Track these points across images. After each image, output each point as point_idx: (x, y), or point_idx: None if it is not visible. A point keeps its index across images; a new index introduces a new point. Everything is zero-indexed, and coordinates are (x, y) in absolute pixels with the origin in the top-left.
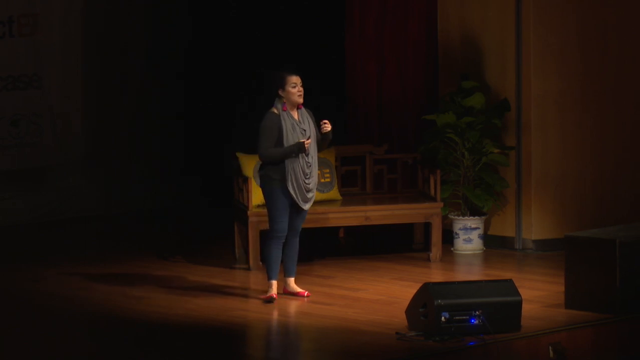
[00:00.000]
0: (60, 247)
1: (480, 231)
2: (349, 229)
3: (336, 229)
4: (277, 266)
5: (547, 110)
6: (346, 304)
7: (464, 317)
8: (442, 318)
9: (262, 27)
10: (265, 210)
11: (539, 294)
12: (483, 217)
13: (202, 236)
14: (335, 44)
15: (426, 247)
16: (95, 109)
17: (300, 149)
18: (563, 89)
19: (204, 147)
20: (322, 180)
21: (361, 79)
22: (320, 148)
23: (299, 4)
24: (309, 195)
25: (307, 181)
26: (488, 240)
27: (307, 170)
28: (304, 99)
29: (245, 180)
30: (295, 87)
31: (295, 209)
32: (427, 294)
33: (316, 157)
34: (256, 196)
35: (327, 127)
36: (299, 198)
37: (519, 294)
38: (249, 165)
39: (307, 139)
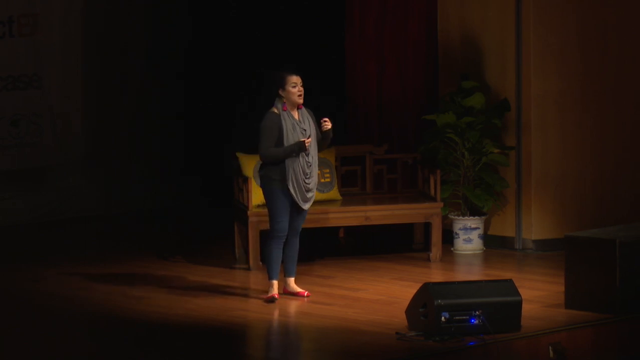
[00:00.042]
0: (60, 247)
1: (480, 231)
2: (349, 229)
3: (336, 229)
4: (277, 266)
5: (547, 110)
6: (346, 304)
7: (464, 317)
8: (442, 318)
9: (262, 27)
10: (265, 210)
11: (539, 294)
12: (483, 217)
13: (202, 236)
14: (335, 44)
15: (426, 247)
16: (95, 109)
17: (300, 148)
18: (563, 89)
19: (204, 147)
20: (322, 180)
21: (361, 79)
22: (320, 148)
23: (299, 4)
24: (309, 195)
25: (307, 181)
26: (488, 240)
27: (307, 170)
28: (304, 98)
29: (245, 180)
30: (295, 87)
31: (296, 209)
32: (427, 294)
33: (316, 157)
34: (256, 196)
35: (328, 125)
36: (299, 198)
37: (519, 294)
38: (249, 165)
39: (308, 138)
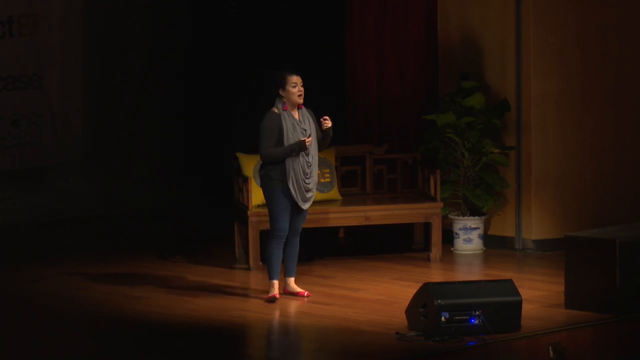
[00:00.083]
0: (60, 247)
1: (480, 231)
2: (349, 229)
3: (336, 229)
4: (278, 266)
5: (547, 110)
6: (346, 304)
7: (464, 317)
8: (442, 318)
9: (262, 27)
10: (265, 210)
11: (539, 294)
12: (483, 217)
13: (202, 236)
14: (335, 44)
15: (426, 247)
16: (95, 109)
17: (300, 147)
18: (563, 89)
19: (204, 147)
20: (322, 180)
21: (361, 79)
22: (321, 148)
23: (299, 4)
24: (309, 195)
25: (307, 181)
26: (488, 240)
27: (307, 170)
28: (304, 98)
29: (245, 180)
30: (295, 87)
31: (296, 209)
32: (427, 294)
33: (317, 157)
34: (256, 196)
35: (328, 123)
36: (299, 197)
37: (519, 294)
38: (249, 165)
39: (308, 137)
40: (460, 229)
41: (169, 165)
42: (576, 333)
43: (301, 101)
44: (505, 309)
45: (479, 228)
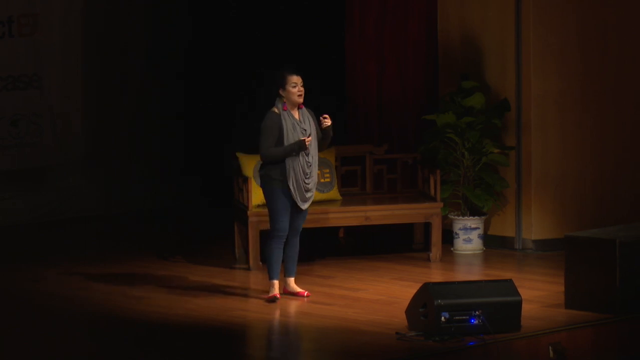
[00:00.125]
0: (60, 247)
1: (480, 231)
2: (348, 229)
3: (336, 229)
4: (278, 266)
5: (547, 110)
6: (346, 304)
7: (464, 317)
8: (442, 318)
9: (262, 27)
10: (265, 210)
11: (539, 294)
12: (483, 217)
13: (202, 236)
14: (335, 44)
15: (426, 247)
16: (95, 109)
17: (300, 147)
18: (563, 89)
19: (204, 147)
20: (322, 180)
21: (361, 79)
22: (321, 147)
23: (299, 4)
24: (308, 195)
25: (306, 181)
26: (488, 240)
27: (307, 170)
28: (305, 98)
29: (245, 180)
30: (295, 87)
31: (296, 209)
32: (427, 294)
33: (317, 157)
34: (256, 196)
35: (327, 121)
36: (298, 197)
37: (518, 294)
38: (249, 165)
39: (308, 137)
40: (460, 229)
41: (169, 165)
42: (576, 333)
43: (301, 101)
44: (505, 309)
45: (478, 228)
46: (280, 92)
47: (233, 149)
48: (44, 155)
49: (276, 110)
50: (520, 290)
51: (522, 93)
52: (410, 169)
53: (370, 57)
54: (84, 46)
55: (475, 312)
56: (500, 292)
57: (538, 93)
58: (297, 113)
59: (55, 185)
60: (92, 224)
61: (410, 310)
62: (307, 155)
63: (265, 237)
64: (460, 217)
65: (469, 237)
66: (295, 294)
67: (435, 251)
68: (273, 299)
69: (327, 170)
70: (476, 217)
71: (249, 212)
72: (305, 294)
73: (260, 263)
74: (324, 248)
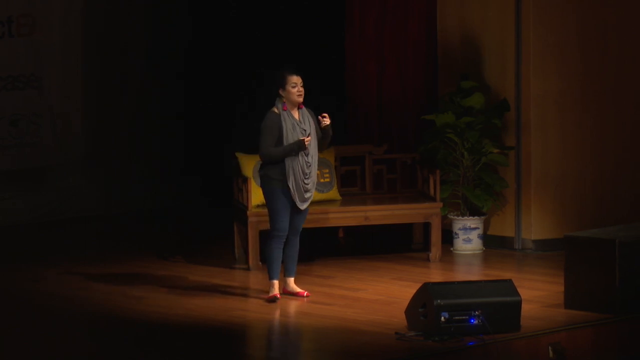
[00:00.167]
0: (60, 247)
1: (480, 231)
2: (348, 229)
3: (336, 229)
4: (278, 266)
5: (547, 110)
6: (346, 304)
7: (464, 317)
8: (442, 318)
9: (262, 27)
10: (265, 210)
11: (539, 294)
12: (482, 217)
13: (202, 236)
14: (335, 44)
15: (426, 247)
16: (95, 109)
17: (300, 146)
18: (563, 89)
19: (204, 147)
20: (322, 180)
21: (361, 79)
22: (321, 148)
23: (299, 4)
24: (307, 195)
25: (306, 181)
26: (487, 240)
27: (307, 170)
28: (305, 98)
29: (245, 180)
30: (295, 87)
31: (296, 209)
32: (426, 294)
33: (316, 158)
34: (256, 196)
35: (326, 120)
36: (297, 197)
37: (518, 294)
38: (249, 165)
39: (307, 137)
40: (459, 229)
41: (169, 165)
42: (576, 333)
43: (301, 100)
44: (504, 309)
45: (478, 228)
46: (280, 92)
47: (233, 149)
48: (44, 155)
49: (276, 110)
50: (519, 290)
51: (521, 93)
52: (410, 169)
53: (370, 57)
54: (84, 46)
55: (474, 312)
56: (499, 292)
57: (538, 93)
58: (297, 113)
59: (55, 185)
60: (92, 224)
61: (410, 310)
62: (307, 155)
63: (265, 237)
64: (460, 217)
65: (468, 237)
66: (295, 294)
67: (435, 251)
68: (273, 299)
69: (327, 170)
70: (476, 217)
71: (248, 212)
72: (305, 294)
73: (260, 263)
74: (323, 248)
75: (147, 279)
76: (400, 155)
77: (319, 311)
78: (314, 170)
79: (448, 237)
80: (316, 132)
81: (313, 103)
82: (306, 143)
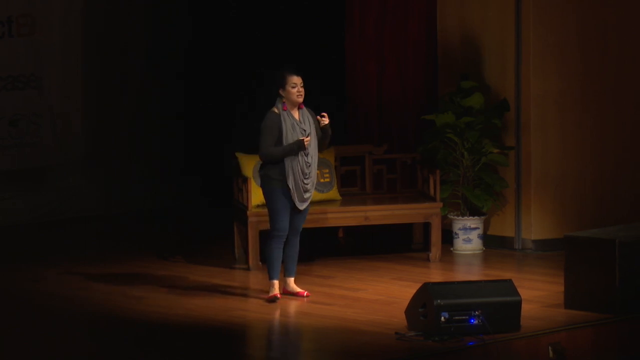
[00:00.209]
0: (60, 247)
1: (480, 231)
2: (348, 229)
3: (336, 229)
4: (278, 266)
5: (547, 110)
6: (346, 304)
7: (464, 317)
8: (442, 318)
9: (262, 27)
10: (265, 210)
11: (539, 294)
12: (482, 217)
13: (202, 236)
14: (335, 44)
15: (426, 247)
16: (95, 109)
17: (299, 146)
18: (563, 89)
19: (204, 147)
20: (322, 180)
21: (361, 79)
22: (321, 148)
23: (299, 4)
24: (306, 195)
25: (305, 181)
26: (487, 240)
27: (307, 170)
28: (305, 98)
29: (245, 180)
30: (295, 87)
31: (296, 209)
32: (426, 294)
33: (316, 158)
34: (256, 196)
35: (325, 120)
36: (296, 198)
37: (518, 294)
38: (249, 165)
39: (307, 137)
40: (459, 229)
41: (169, 165)
42: (576, 333)
43: (300, 101)
44: (504, 309)
45: (478, 228)
46: (280, 92)
47: (233, 149)
48: (44, 155)
49: (276, 110)
50: (519, 290)
51: (521, 93)
52: (410, 169)
53: (370, 57)
54: (84, 46)
55: (474, 312)
56: (499, 292)
57: (538, 93)
58: (297, 113)
59: (55, 185)
60: (92, 224)
61: (410, 310)
62: (307, 155)
63: (265, 237)
64: (460, 217)
65: (468, 237)
66: (295, 294)
67: (435, 251)
68: (273, 299)
69: (327, 170)
70: (476, 217)
71: (248, 212)
72: (305, 294)
73: (260, 263)
74: (323, 248)
75: (147, 279)
76: (400, 155)
77: (319, 311)
78: (314, 171)
79: (448, 237)
80: (316, 132)
81: (313, 103)
82: (306, 143)
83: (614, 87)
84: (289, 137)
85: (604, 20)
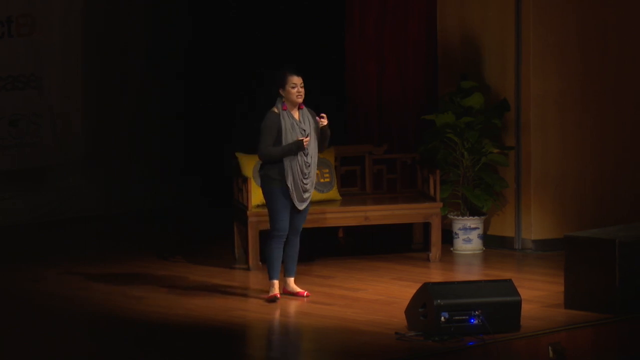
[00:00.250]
0: (60, 247)
1: (480, 231)
2: (348, 229)
3: (335, 229)
4: (278, 266)
5: (547, 110)
6: (346, 304)
7: (464, 317)
8: (442, 318)
9: (262, 27)
10: (265, 210)
11: (539, 294)
12: (482, 217)
13: (202, 236)
14: (335, 44)
15: (426, 247)
16: (95, 109)
17: (298, 147)
18: (563, 89)
19: (204, 147)
20: (322, 180)
21: (361, 79)
22: (320, 148)
23: (299, 4)
24: (305, 195)
25: (304, 181)
26: (487, 240)
27: (306, 171)
28: (305, 98)
29: (245, 180)
30: (295, 87)
31: (296, 209)
32: (426, 293)
33: (316, 158)
34: (256, 196)
35: (324, 121)
36: (295, 198)
37: (518, 294)
38: (249, 165)
39: (306, 137)
40: (459, 229)
41: (169, 165)
42: (576, 333)
43: (300, 101)
44: (504, 309)
45: (478, 228)
46: (280, 91)
47: (233, 149)
48: (44, 155)
49: (276, 110)
50: (519, 290)
51: (521, 93)
52: (410, 169)
53: (370, 57)
54: (84, 46)
55: (474, 312)
56: (499, 292)
57: (538, 93)
58: (297, 113)
59: (55, 185)
60: (92, 224)
61: (410, 310)
62: (306, 155)
63: (265, 237)
64: (460, 217)
65: (468, 237)
66: (295, 294)
67: (435, 251)
68: (273, 299)
69: (327, 170)
70: (476, 217)
71: (248, 212)
72: (305, 294)
73: (260, 263)
74: (323, 248)
75: (147, 279)
76: (400, 155)
77: (319, 311)
78: (313, 171)
79: (448, 237)
80: (316, 132)
81: (313, 103)
82: (305, 144)
83: (614, 87)
84: (288, 137)
85: (604, 20)
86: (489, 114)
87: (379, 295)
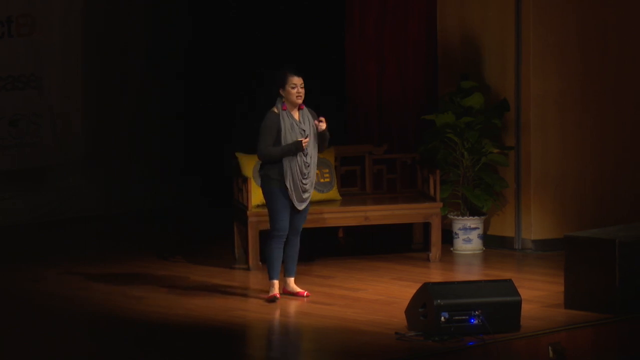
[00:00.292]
0: (60, 247)
1: (480, 231)
2: (348, 229)
3: (336, 229)
4: (278, 266)
5: (547, 110)
6: (346, 304)
7: (464, 317)
8: (442, 318)
9: (262, 27)
10: (265, 210)
11: (539, 294)
12: (482, 217)
13: (202, 236)
14: (335, 44)
15: (426, 247)
16: (95, 109)
17: (298, 147)
18: (563, 89)
19: (204, 147)
20: (322, 180)
21: (361, 79)
22: (320, 148)
23: (299, 4)
24: (305, 195)
25: (304, 181)
26: (487, 240)
27: (305, 171)
28: (305, 98)
29: (245, 180)
30: (294, 87)
31: (295, 209)
32: (426, 293)
33: (315, 159)
34: (256, 196)
35: (322, 125)
36: (295, 198)
37: (518, 294)
38: (249, 165)
39: (305, 138)
40: (459, 229)
41: (169, 165)
42: (576, 333)
43: (299, 102)
44: (504, 309)
45: (478, 228)
46: (280, 92)
47: (233, 149)
48: (44, 155)
49: (275, 110)
50: (519, 290)
51: (521, 93)
52: (410, 169)
53: (370, 57)
54: (84, 46)
55: (474, 312)
56: (499, 292)
57: (538, 93)
58: (297, 113)
59: (55, 185)
60: (92, 224)
61: (410, 310)
62: (305, 155)
63: (265, 237)
64: (460, 217)
65: (468, 237)
66: (295, 294)
67: (435, 251)
68: (273, 299)
69: (327, 170)
70: (476, 217)
71: (248, 212)
72: (305, 294)
73: (260, 263)
74: (323, 248)
75: (147, 279)
76: (400, 155)
77: (319, 311)
78: (313, 171)
79: (448, 237)
80: (316, 133)
81: (313, 103)
82: (304, 144)
83: (614, 87)
84: (288, 137)
85: (604, 20)
86: (489, 114)
87: (379, 295)
